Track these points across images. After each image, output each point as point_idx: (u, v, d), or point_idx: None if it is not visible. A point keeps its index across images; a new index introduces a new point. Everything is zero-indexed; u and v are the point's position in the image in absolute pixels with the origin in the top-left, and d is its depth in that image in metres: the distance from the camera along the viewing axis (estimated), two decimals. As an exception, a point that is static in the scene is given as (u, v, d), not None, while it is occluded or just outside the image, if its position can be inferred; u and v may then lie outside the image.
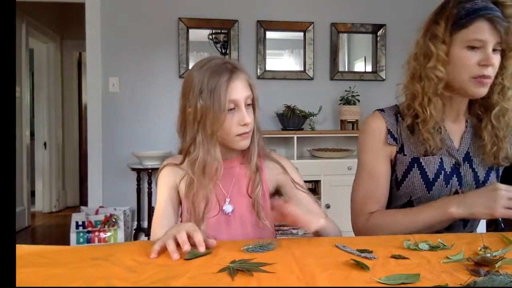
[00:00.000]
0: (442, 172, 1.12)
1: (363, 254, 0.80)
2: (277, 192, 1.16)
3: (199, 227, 1.03)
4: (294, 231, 3.03)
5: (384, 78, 3.69)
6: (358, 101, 3.51)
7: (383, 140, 1.15)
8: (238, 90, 1.03)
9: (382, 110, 1.19)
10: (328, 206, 3.17)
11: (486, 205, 0.96)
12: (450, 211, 1.00)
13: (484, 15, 1.00)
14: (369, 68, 3.76)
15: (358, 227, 1.16)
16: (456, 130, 1.16)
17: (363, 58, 3.82)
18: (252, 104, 1.08)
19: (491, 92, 1.08)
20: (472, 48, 1.02)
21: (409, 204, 1.16)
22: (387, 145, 1.15)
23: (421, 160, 1.12)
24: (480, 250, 0.82)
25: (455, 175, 1.13)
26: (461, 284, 0.65)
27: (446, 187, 1.12)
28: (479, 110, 1.14)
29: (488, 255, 0.76)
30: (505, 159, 1.12)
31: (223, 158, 1.06)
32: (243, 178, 1.11)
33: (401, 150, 1.15)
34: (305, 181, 1.18)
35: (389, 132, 1.15)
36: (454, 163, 1.13)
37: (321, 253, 0.83)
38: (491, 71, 1.02)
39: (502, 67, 1.05)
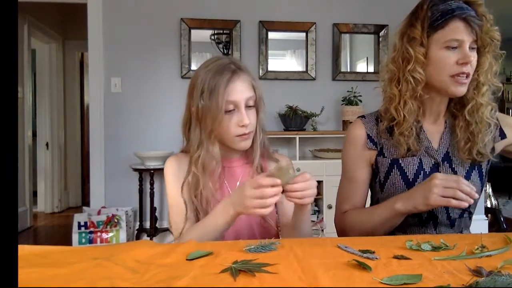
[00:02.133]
0: (422, 172, 1.13)
1: (365, 255, 0.80)
2: None
3: None
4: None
5: (386, 78, 3.68)
6: (361, 101, 3.51)
7: (363, 146, 1.19)
8: (238, 91, 1.04)
9: (363, 117, 1.24)
10: (330, 207, 3.17)
11: (422, 195, 0.99)
12: (396, 207, 1.04)
13: (459, 15, 1.03)
14: (371, 69, 3.76)
15: (335, 223, 1.25)
16: (434, 131, 1.17)
17: (365, 58, 3.81)
18: (256, 105, 1.09)
19: (467, 89, 1.09)
20: (450, 48, 1.05)
21: None
22: (367, 150, 1.19)
23: (400, 161, 1.15)
24: (477, 249, 0.82)
25: None
26: (463, 284, 0.65)
27: None
28: (455, 108, 1.16)
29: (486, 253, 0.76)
30: (479, 155, 1.12)
31: (225, 157, 1.08)
32: (247, 178, 1.11)
33: (380, 153, 1.17)
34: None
35: (368, 137, 1.18)
36: (433, 163, 1.14)
37: (323, 254, 0.83)
38: (469, 69, 1.05)
39: (477, 64, 1.08)
